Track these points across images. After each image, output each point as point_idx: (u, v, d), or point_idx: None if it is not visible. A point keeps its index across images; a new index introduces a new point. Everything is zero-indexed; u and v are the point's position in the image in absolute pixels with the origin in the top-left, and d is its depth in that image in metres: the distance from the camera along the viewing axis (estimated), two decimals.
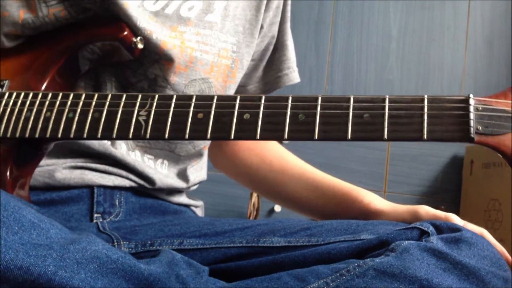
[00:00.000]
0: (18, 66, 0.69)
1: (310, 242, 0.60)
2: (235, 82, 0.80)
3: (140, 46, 0.68)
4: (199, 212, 0.85)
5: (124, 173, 0.72)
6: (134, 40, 0.68)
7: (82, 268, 0.46)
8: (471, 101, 0.52)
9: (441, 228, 0.58)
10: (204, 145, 0.81)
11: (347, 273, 0.52)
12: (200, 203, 0.85)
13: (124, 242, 0.63)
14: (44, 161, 0.69)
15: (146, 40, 0.69)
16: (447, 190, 2.03)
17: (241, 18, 0.79)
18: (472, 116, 0.51)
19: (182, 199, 0.80)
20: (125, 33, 0.68)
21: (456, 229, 0.57)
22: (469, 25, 2.12)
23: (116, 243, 0.62)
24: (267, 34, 0.85)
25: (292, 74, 0.88)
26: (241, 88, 0.86)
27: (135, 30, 0.69)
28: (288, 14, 0.89)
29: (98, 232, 0.65)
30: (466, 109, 0.52)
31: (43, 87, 0.66)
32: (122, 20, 0.68)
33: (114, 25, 0.68)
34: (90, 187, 0.70)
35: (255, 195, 1.73)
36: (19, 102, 0.62)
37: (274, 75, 0.87)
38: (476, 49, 2.10)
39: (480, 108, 0.52)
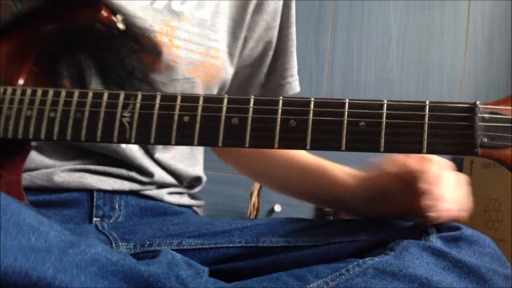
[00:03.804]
0: None
1: (309, 242, 0.60)
2: (218, 82, 0.77)
3: (121, 26, 0.65)
4: (201, 212, 0.84)
5: (124, 171, 0.71)
6: (114, 19, 0.65)
7: (81, 271, 0.46)
8: (477, 110, 0.47)
9: (441, 226, 0.58)
10: None
11: (347, 272, 0.52)
12: (201, 203, 0.84)
13: (123, 243, 0.62)
14: (42, 163, 0.68)
15: (131, 27, 0.67)
16: None
17: (226, 15, 0.77)
18: (477, 128, 0.47)
19: (184, 200, 0.79)
20: (103, 13, 0.65)
21: (456, 227, 0.57)
22: (469, 25, 2.12)
23: (114, 244, 0.62)
24: (263, 39, 0.82)
25: (295, 83, 0.86)
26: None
27: (126, 17, 0.66)
28: (292, 19, 0.85)
29: (96, 231, 0.65)
30: (471, 119, 0.47)
31: (22, 78, 0.64)
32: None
33: (91, 6, 0.65)
34: (89, 191, 0.70)
35: (255, 195, 1.72)
36: None
37: (277, 83, 0.85)
38: (476, 49, 2.10)
39: (487, 117, 0.47)
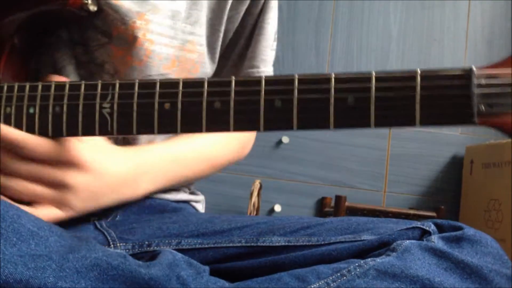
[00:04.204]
0: None
1: (310, 242, 0.59)
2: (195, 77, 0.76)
3: (92, 7, 0.63)
4: (200, 207, 0.83)
5: None
6: (85, 1, 0.62)
7: (82, 278, 0.46)
8: (473, 76, 0.44)
9: (442, 226, 0.58)
10: None
11: (348, 273, 0.52)
12: (200, 197, 0.83)
13: (121, 244, 0.62)
14: None
15: (103, 16, 0.65)
16: (447, 190, 2.03)
17: (205, 6, 0.74)
18: (474, 95, 0.43)
19: (180, 195, 0.79)
20: None
21: (458, 227, 0.57)
22: (469, 25, 2.12)
23: (112, 245, 0.62)
24: (242, 25, 0.78)
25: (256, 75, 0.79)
26: None
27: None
28: (271, 5, 0.80)
29: (94, 230, 0.65)
30: (467, 87, 0.44)
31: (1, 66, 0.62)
32: None
33: None
34: None
35: (255, 195, 1.72)
36: None
37: (242, 74, 0.80)
38: (476, 49, 2.10)
39: (484, 83, 0.44)
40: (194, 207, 0.81)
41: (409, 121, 0.45)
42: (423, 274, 0.51)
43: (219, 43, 0.77)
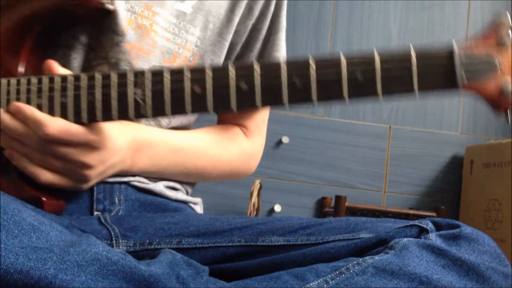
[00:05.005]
0: None
1: (309, 241, 0.60)
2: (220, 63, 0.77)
3: (111, 6, 0.66)
4: (198, 209, 0.84)
5: None
6: (102, 0, 0.65)
7: (82, 271, 0.46)
8: (456, 53, 0.54)
9: (440, 225, 0.58)
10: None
11: (347, 271, 0.52)
12: (198, 199, 0.84)
13: (123, 241, 0.63)
14: None
15: (113, 15, 0.68)
16: (447, 190, 2.03)
17: (215, 15, 0.77)
18: (457, 68, 0.54)
19: (180, 195, 0.79)
20: None
21: (456, 225, 0.57)
22: (469, 25, 2.12)
23: (114, 241, 0.62)
24: (252, 39, 0.82)
25: None
26: None
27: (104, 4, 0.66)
28: (282, 24, 0.84)
29: (99, 224, 0.65)
30: (452, 62, 0.54)
31: (21, 66, 0.64)
32: None
33: None
34: None
35: (255, 195, 1.73)
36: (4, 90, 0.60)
37: None
38: None
39: (464, 59, 0.54)
40: (192, 209, 0.82)
41: (409, 93, 0.55)
42: (421, 271, 0.51)
43: (224, 51, 0.79)
